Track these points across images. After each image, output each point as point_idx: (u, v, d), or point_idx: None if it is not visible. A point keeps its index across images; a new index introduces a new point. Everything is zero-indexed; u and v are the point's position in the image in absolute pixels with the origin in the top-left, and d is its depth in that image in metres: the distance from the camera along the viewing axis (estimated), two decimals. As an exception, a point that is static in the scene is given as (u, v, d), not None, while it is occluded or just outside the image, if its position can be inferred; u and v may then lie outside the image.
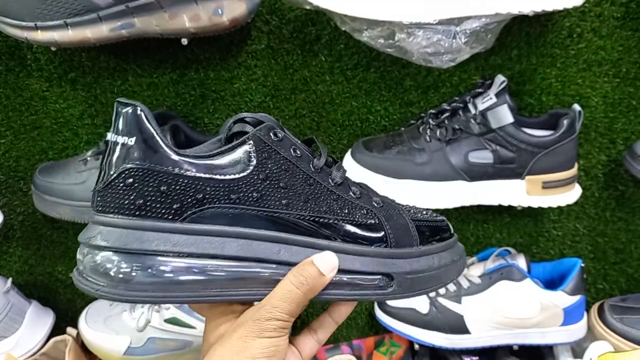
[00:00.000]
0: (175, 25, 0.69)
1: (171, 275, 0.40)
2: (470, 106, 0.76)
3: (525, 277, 0.80)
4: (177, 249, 0.40)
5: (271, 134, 0.43)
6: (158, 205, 0.40)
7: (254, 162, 0.42)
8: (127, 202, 0.40)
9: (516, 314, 0.81)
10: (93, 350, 0.86)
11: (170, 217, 0.40)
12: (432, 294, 0.84)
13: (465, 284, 0.83)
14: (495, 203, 0.77)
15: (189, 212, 0.40)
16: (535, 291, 0.80)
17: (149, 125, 0.40)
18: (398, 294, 0.45)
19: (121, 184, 0.40)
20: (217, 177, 0.41)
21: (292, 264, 0.43)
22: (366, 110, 0.83)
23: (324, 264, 0.43)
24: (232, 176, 0.41)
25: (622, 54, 0.78)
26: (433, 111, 0.78)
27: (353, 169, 0.77)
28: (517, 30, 0.77)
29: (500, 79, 0.74)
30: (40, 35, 0.69)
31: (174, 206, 0.40)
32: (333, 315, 0.48)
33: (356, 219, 0.46)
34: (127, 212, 0.40)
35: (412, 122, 0.81)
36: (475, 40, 0.70)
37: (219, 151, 0.42)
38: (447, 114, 0.77)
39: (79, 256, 0.41)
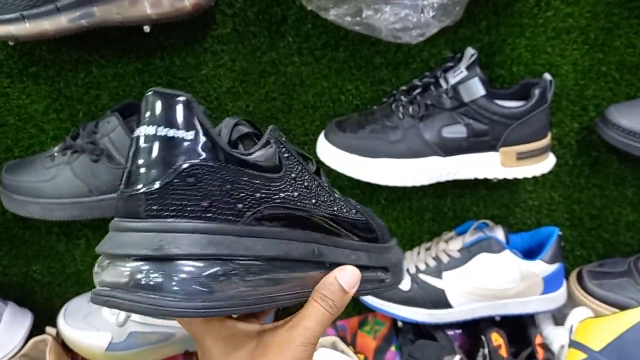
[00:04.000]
0: (136, 12, 0.67)
1: (249, 281, 0.36)
2: (441, 81, 0.75)
3: (504, 249, 0.80)
4: (250, 252, 0.36)
5: (280, 135, 0.42)
6: (223, 206, 0.36)
7: (283, 161, 0.41)
8: (191, 203, 0.35)
9: (497, 285, 0.81)
10: (74, 349, 0.85)
11: (233, 218, 0.36)
12: (413, 271, 0.84)
13: (445, 258, 0.83)
14: (471, 177, 0.77)
15: (249, 213, 0.37)
16: (514, 262, 0.80)
17: (205, 118, 0.36)
18: (393, 284, 0.49)
19: (182, 184, 0.35)
20: (267, 174, 0.39)
21: (325, 263, 0.43)
22: (337, 90, 0.82)
23: (348, 279, 0.42)
24: (275, 174, 0.40)
25: (589, 20, 0.78)
26: (404, 88, 0.78)
27: (327, 150, 0.77)
28: (485, 1, 0.77)
29: (470, 52, 0.74)
30: (-5, 30, 0.67)
31: (238, 206, 0.37)
32: None
33: (354, 218, 0.47)
34: (192, 216, 0.35)
35: (384, 99, 0.80)
36: (443, 14, 0.69)
37: (254, 150, 0.39)
38: (418, 90, 0.76)
39: (114, 273, 0.34)
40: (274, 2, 0.76)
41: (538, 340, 0.82)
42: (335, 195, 0.46)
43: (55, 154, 0.77)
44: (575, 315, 0.81)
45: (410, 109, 0.76)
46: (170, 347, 0.86)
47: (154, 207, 0.34)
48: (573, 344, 0.76)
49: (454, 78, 0.74)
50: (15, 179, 0.77)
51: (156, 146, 0.35)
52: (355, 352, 0.86)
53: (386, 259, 0.49)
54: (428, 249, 0.88)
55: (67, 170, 0.75)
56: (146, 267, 0.33)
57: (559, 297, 0.84)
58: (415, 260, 0.86)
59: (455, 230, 0.89)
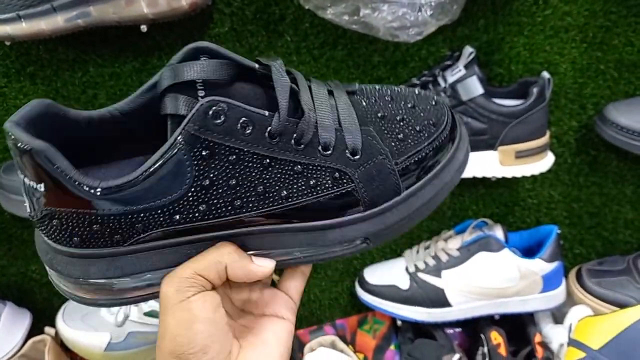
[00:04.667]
0: (132, 12, 0.67)
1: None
2: (439, 79, 0.75)
3: (503, 247, 0.80)
4: (121, 272, 0.37)
5: (209, 118, 0.34)
6: (98, 240, 0.36)
7: (191, 172, 0.35)
8: (65, 238, 0.36)
9: (496, 284, 0.81)
10: (73, 349, 0.85)
11: (114, 244, 0.36)
12: (412, 270, 0.84)
13: (444, 257, 0.83)
14: (470, 175, 0.77)
15: (132, 240, 0.36)
16: (513, 260, 0.80)
17: (56, 167, 0.33)
18: (370, 248, 0.41)
19: (46, 226, 0.36)
20: (151, 204, 0.35)
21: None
22: (335, 89, 0.82)
23: (261, 269, 0.39)
24: (168, 198, 0.35)
25: (588, 18, 0.78)
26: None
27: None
28: (483, -1, 0.77)
29: (468, 50, 0.74)
30: (-9, 30, 0.67)
31: (115, 237, 0.36)
32: None
33: (325, 191, 0.38)
34: (72, 245, 0.36)
35: (383, 98, 0.80)
36: (441, 12, 0.69)
37: (143, 175, 0.34)
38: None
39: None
40: (271, 1, 0.76)
41: (537, 338, 0.82)
42: (314, 159, 0.37)
43: (53, 154, 0.77)
44: (575, 314, 0.81)
45: (409, 108, 0.75)
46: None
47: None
48: (572, 343, 0.76)
49: (452, 77, 0.74)
50: (13, 179, 0.77)
51: (27, 192, 0.36)
52: (355, 351, 0.86)
53: (370, 225, 0.40)
54: (427, 247, 0.87)
55: (65, 170, 0.75)
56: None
57: (558, 295, 0.84)
58: (414, 259, 0.86)
59: (454, 229, 0.89)
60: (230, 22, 0.77)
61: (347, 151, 0.38)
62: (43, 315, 0.93)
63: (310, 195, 0.38)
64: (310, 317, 0.97)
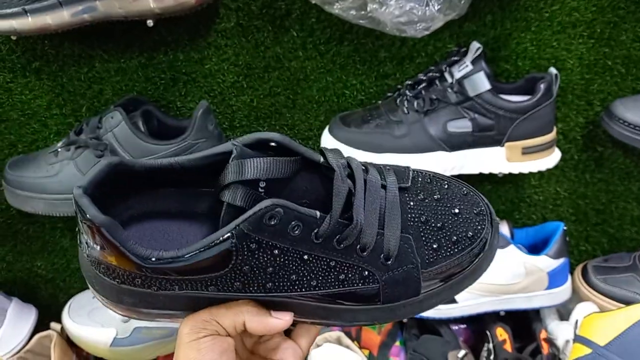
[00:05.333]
0: (139, 7, 0.67)
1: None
2: (446, 75, 0.75)
3: (509, 244, 0.80)
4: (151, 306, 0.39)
5: (264, 220, 0.36)
6: (137, 284, 0.38)
7: (235, 259, 0.36)
8: (109, 276, 0.38)
9: (501, 280, 0.81)
10: (79, 344, 0.85)
11: (149, 288, 0.38)
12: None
13: (450, 254, 0.82)
14: (476, 171, 0.77)
15: (167, 291, 0.38)
16: (519, 257, 0.80)
17: (114, 239, 0.36)
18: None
19: (96, 265, 0.39)
20: (192, 277, 0.37)
21: None
22: (342, 85, 0.82)
23: (280, 322, 0.40)
24: (209, 275, 0.37)
25: (595, 14, 0.77)
26: (409, 82, 0.77)
27: (331, 145, 0.76)
28: (490, -6, 0.76)
29: (475, 46, 0.73)
30: (-2, 24, 0.67)
31: (153, 287, 0.38)
32: None
33: (351, 285, 0.40)
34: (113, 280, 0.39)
35: (389, 94, 0.80)
36: (448, 7, 0.69)
37: (191, 255, 0.36)
38: (423, 85, 0.76)
39: None
40: (278, -4, 0.76)
41: (543, 335, 0.82)
42: (350, 259, 0.39)
43: (59, 150, 0.76)
44: (580, 310, 0.81)
45: (415, 104, 0.75)
46: (175, 342, 0.86)
47: None
48: (578, 339, 0.76)
49: (459, 72, 0.74)
50: (19, 175, 0.77)
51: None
52: (360, 348, 0.85)
53: (379, 315, 0.41)
54: (432, 244, 0.87)
55: (71, 165, 0.75)
56: None
57: (564, 292, 0.83)
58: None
59: (459, 225, 0.88)
60: (236, 17, 0.77)
61: (382, 255, 0.39)
62: (49, 310, 0.93)
63: (337, 287, 0.39)
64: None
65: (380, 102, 0.80)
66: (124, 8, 0.67)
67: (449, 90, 0.74)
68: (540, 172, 0.84)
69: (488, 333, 0.82)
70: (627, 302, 0.79)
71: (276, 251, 0.37)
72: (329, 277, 0.39)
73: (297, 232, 0.37)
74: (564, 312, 0.88)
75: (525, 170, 0.77)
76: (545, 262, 0.81)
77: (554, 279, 0.82)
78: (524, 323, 0.86)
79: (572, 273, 0.86)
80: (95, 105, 0.82)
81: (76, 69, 0.80)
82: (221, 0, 0.76)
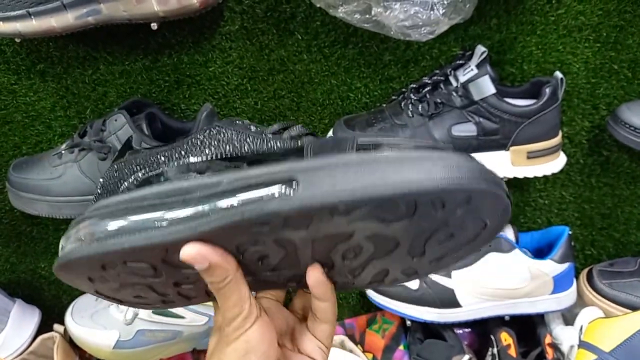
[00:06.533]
0: (143, 10, 0.67)
1: None
2: (451, 79, 0.75)
3: (513, 248, 0.80)
4: None
5: None
6: None
7: None
8: None
9: (506, 284, 0.81)
10: (82, 346, 0.85)
11: None
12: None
13: (454, 258, 0.82)
14: (481, 175, 0.77)
15: None
16: (524, 261, 0.80)
17: None
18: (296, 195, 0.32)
19: None
20: None
21: None
22: (346, 88, 0.81)
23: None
24: None
25: (601, 18, 0.77)
26: (414, 86, 0.77)
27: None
28: (496, -2, 0.76)
29: (480, 50, 0.73)
30: (2, 27, 0.67)
31: None
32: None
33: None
34: None
35: (394, 97, 0.80)
36: (453, 11, 0.68)
37: None
38: (428, 88, 0.75)
39: None
40: (282, -1, 0.76)
41: (547, 340, 0.82)
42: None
43: (63, 152, 0.76)
44: (585, 315, 0.80)
45: (420, 107, 0.75)
46: (178, 345, 0.86)
47: None
48: (583, 345, 0.76)
49: (464, 76, 0.73)
50: (23, 177, 0.77)
51: None
52: (364, 351, 0.85)
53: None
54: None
55: (75, 168, 0.75)
56: None
57: (569, 296, 0.83)
58: (423, 259, 0.85)
59: (464, 229, 0.88)
60: (240, 20, 0.77)
61: None
62: (52, 312, 0.93)
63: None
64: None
65: (384, 105, 0.79)
66: (128, 11, 0.67)
67: (454, 94, 0.74)
68: (545, 177, 0.83)
69: (492, 337, 0.81)
70: (633, 307, 0.79)
71: None
72: None
73: None
74: (569, 317, 0.87)
75: (531, 175, 0.76)
76: (551, 267, 0.80)
77: (559, 284, 0.81)
78: (528, 328, 0.85)
79: (577, 277, 0.86)
80: (99, 107, 0.82)
81: (80, 71, 0.80)
82: (225, 3, 0.76)
